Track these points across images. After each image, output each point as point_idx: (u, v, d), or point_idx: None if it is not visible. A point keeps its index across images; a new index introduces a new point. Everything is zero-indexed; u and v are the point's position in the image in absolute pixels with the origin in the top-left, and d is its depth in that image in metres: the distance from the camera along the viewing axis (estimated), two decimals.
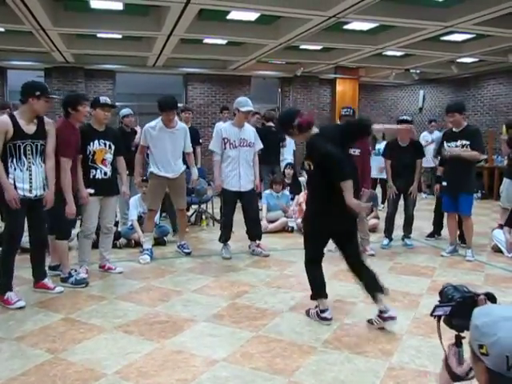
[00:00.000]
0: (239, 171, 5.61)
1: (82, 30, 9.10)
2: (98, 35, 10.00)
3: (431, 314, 1.60)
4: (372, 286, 3.66)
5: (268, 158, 9.01)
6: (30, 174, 4.07)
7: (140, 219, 6.35)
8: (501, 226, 6.61)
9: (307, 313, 3.90)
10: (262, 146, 5.94)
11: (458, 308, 1.55)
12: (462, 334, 1.61)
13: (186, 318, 3.85)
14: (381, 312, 3.61)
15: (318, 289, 3.83)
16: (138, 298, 4.35)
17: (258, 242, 5.94)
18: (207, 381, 2.85)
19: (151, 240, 5.79)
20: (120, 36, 10.04)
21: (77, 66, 12.21)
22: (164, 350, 3.24)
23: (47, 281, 4.46)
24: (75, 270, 4.76)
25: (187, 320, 3.79)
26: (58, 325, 3.68)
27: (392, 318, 3.59)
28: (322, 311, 3.77)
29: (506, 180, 6.58)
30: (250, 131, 5.75)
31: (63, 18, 8.39)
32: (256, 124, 8.19)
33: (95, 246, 5.32)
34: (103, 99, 4.91)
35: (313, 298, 3.87)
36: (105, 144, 4.87)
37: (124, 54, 11.30)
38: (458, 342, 1.61)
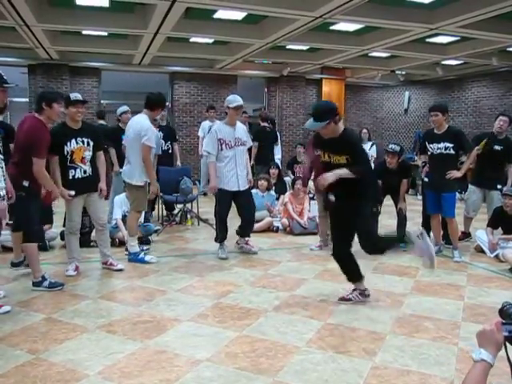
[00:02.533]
0: (237, 171, 5.59)
1: (66, 26, 8.98)
2: (83, 32, 9.88)
3: (505, 337, 1.60)
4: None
5: (264, 157, 9.06)
6: None
7: (124, 218, 6.30)
8: (463, 234, 6.70)
9: (344, 299, 4.20)
10: (251, 144, 5.95)
11: None
12: None
13: (170, 317, 3.82)
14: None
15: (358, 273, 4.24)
16: (122, 297, 4.32)
17: (246, 239, 5.93)
18: (191, 381, 2.83)
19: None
20: (105, 33, 9.95)
21: (61, 63, 12.07)
22: (147, 350, 3.22)
23: None
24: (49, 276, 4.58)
25: (171, 320, 3.77)
26: (39, 325, 3.63)
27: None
28: (364, 290, 4.24)
29: (471, 187, 6.63)
30: (241, 129, 5.73)
31: (47, 14, 8.27)
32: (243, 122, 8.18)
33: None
34: (73, 96, 4.80)
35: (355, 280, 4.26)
36: (83, 142, 4.78)
37: (110, 51, 11.19)
38: None
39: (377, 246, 4.26)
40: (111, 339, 3.39)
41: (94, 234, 5.89)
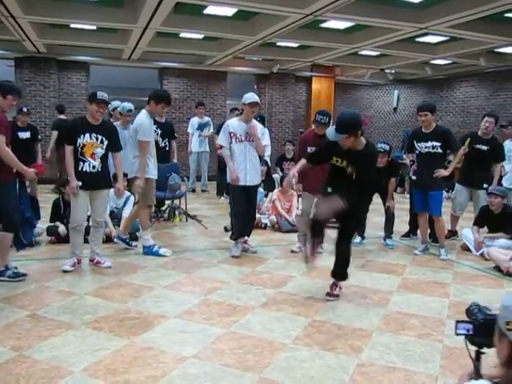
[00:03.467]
0: (245, 166, 5.58)
1: (54, 19, 8.85)
2: (72, 25, 9.76)
3: (456, 334, 1.74)
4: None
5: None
6: None
7: (112, 214, 6.27)
8: (450, 233, 6.77)
9: (332, 295, 4.25)
10: (268, 143, 5.99)
11: (479, 328, 1.70)
12: (482, 350, 1.76)
13: (157, 314, 3.81)
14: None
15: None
16: (109, 293, 4.29)
17: (246, 238, 5.90)
18: (177, 377, 2.82)
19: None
20: (94, 27, 9.84)
21: (49, 57, 11.92)
22: (134, 347, 3.20)
23: None
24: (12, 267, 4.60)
25: (158, 316, 3.76)
26: (23, 321, 3.59)
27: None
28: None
29: (457, 186, 6.70)
30: (256, 127, 5.69)
31: (35, 6, 8.15)
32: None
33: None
34: (100, 94, 4.84)
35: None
36: (97, 138, 4.86)
37: (98, 45, 11.08)
38: (478, 357, 1.75)
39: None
40: (97, 336, 3.37)
41: None
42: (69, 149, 4.80)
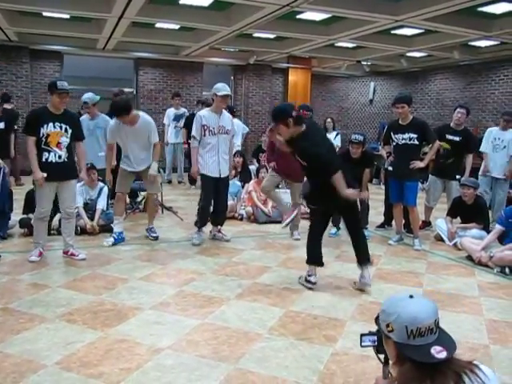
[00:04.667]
0: (218, 157, 5.67)
1: (25, 6, 8.61)
2: (44, 14, 9.53)
3: (361, 346, 1.78)
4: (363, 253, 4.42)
5: None
6: None
7: (86, 206, 6.19)
8: (424, 223, 6.88)
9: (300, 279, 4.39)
10: (236, 133, 6.06)
11: (382, 338, 1.71)
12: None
13: (132, 305, 3.78)
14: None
15: (315, 257, 4.40)
16: (83, 285, 4.24)
17: (219, 227, 6.02)
18: (151, 369, 2.81)
19: (121, 223, 5.79)
20: (68, 16, 9.63)
21: (21, 46, 11.61)
22: (108, 339, 3.18)
23: None
24: None
25: (132, 308, 3.73)
26: None
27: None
28: (310, 275, 4.30)
29: (431, 177, 6.78)
30: (227, 118, 5.80)
31: None
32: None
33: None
34: (60, 84, 4.72)
35: (308, 262, 4.38)
36: (60, 127, 4.74)
37: (72, 35, 10.84)
38: (386, 361, 1.79)
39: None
40: (71, 329, 3.33)
41: (54, 222, 5.79)
42: (31, 140, 4.66)
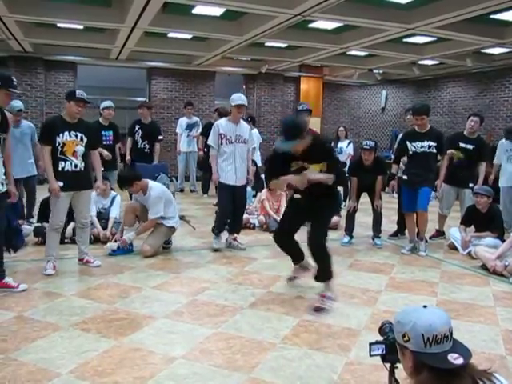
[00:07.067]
0: (235, 166, 5.80)
1: (40, 18, 8.76)
2: (59, 25, 9.68)
3: (370, 355, 1.78)
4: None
5: None
6: None
7: (100, 215, 6.23)
8: (438, 232, 6.86)
9: (319, 309, 3.97)
10: (255, 144, 6.12)
11: (391, 347, 1.73)
12: (395, 365, 1.81)
13: (145, 314, 3.79)
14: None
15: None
16: (96, 294, 4.26)
17: (235, 235, 6.09)
18: (165, 378, 2.81)
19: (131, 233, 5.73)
20: (81, 27, 9.76)
21: (36, 56, 11.80)
22: (122, 348, 3.18)
23: (8, 279, 4.25)
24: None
25: (146, 317, 3.74)
26: (10, 323, 3.55)
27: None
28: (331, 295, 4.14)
29: (444, 185, 6.72)
30: (245, 128, 5.95)
31: (20, 5, 8.05)
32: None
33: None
34: (79, 93, 4.78)
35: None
36: (76, 136, 4.76)
37: (86, 45, 10.99)
38: (392, 371, 1.81)
39: (320, 248, 4.10)
40: (85, 337, 3.34)
41: (68, 231, 5.84)
42: (47, 149, 4.67)
